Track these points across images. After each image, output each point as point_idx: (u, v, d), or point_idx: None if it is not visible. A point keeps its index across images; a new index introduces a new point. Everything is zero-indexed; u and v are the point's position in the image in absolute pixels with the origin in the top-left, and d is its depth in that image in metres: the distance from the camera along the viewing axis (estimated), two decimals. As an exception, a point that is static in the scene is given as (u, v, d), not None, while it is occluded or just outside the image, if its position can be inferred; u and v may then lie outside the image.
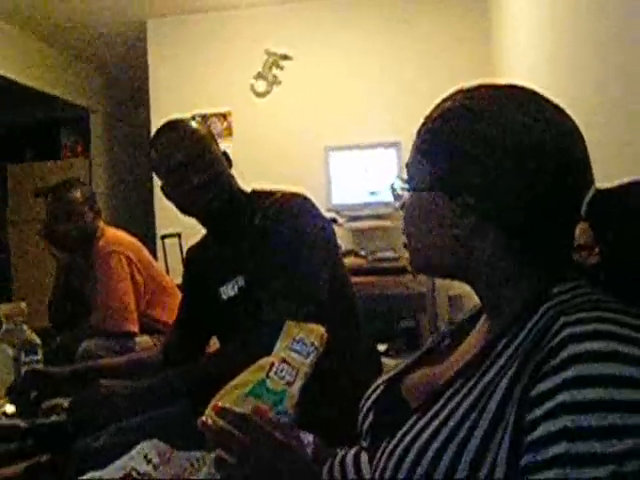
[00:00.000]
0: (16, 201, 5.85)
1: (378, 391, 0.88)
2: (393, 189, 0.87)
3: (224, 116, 4.68)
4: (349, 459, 0.92)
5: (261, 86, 4.68)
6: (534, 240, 0.73)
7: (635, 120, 1.55)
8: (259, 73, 4.66)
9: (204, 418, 0.75)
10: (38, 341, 1.85)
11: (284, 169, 4.35)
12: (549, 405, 0.58)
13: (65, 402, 1.54)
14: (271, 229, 1.48)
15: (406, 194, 0.83)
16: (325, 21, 4.60)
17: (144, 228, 4.61)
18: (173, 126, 1.56)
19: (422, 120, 0.81)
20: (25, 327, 1.84)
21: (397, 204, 0.87)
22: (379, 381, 0.90)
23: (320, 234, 1.51)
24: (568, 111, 0.76)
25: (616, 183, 0.80)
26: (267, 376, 0.79)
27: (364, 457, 0.90)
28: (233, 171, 1.61)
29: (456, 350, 0.84)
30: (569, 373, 0.58)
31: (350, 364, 1.47)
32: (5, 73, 4.54)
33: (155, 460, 1.10)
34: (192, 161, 1.50)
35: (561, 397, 0.57)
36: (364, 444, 0.88)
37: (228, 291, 1.56)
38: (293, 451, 0.73)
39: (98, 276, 2.50)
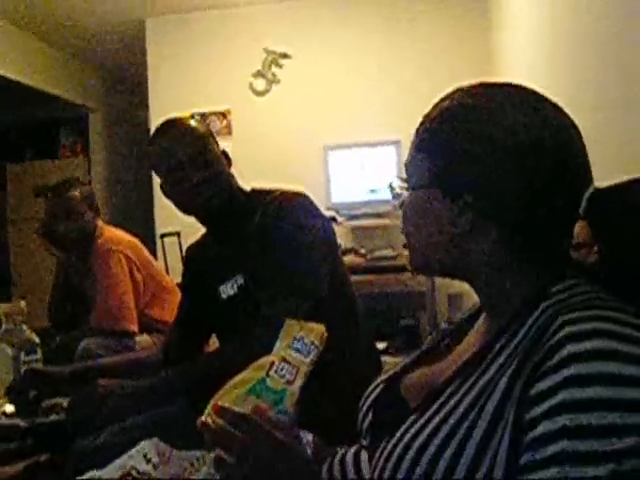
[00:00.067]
0: (15, 200, 5.85)
1: (378, 390, 0.88)
2: (392, 188, 0.87)
3: (223, 115, 4.68)
4: (349, 458, 0.92)
5: (260, 85, 4.68)
6: (533, 238, 0.73)
7: (634, 119, 1.55)
8: (258, 72, 4.66)
9: (204, 417, 0.75)
10: (37, 340, 1.86)
11: (283, 167, 4.35)
12: (548, 404, 0.58)
13: (64, 401, 1.54)
14: (271, 228, 1.48)
15: (405, 193, 0.83)
16: (324, 20, 4.60)
17: (143, 227, 4.61)
18: (172, 125, 1.56)
19: (421, 119, 0.81)
20: (24, 326, 1.84)
21: (396, 203, 0.87)
22: (378, 380, 0.90)
23: (319, 233, 1.51)
24: (567, 110, 0.76)
25: (615, 181, 0.80)
26: (267, 375, 0.79)
27: (364, 456, 0.90)
28: (232, 170, 1.61)
29: (455, 349, 0.84)
30: (568, 372, 0.58)
31: (350, 363, 1.47)
32: (4, 72, 4.53)
33: (155, 459, 1.10)
34: (191, 160, 1.50)
35: (560, 396, 0.57)
36: (364, 443, 0.88)
37: (228, 290, 1.56)
38: (293, 450, 0.73)
39: (97, 275, 2.50)
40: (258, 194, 1.60)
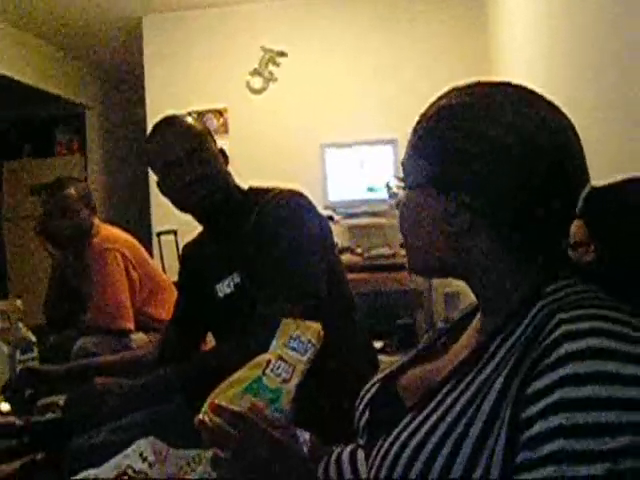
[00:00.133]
0: (11, 198, 5.83)
1: (374, 389, 0.88)
2: (389, 187, 0.87)
3: (220, 113, 4.68)
4: (345, 457, 0.92)
5: (257, 83, 4.67)
6: (529, 237, 0.73)
7: (632, 117, 1.55)
8: (255, 70, 4.66)
9: (201, 416, 0.75)
10: (33, 339, 1.85)
11: (280, 166, 4.35)
12: (545, 402, 0.58)
13: (61, 400, 1.54)
14: (267, 226, 1.48)
15: (402, 192, 0.83)
16: (321, 18, 4.60)
17: (140, 225, 4.60)
18: (169, 122, 1.56)
19: (418, 118, 0.81)
20: (20, 325, 1.84)
21: (393, 202, 0.87)
22: (375, 379, 0.90)
23: (316, 231, 1.51)
24: (564, 108, 0.76)
25: (611, 180, 0.80)
26: (264, 373, 0.79)
27: (360, 455, 0.90)
28: (229, 168, 1.61)
29: (452, 348, 0.84)
30: (565, 370, 0.58)
31: (346, 361, 1.47)
32: (0, 70, 4.52)
33: (151, 458, 1.10)
34: (187, 157, 1.50)
35: (557, 394, 0.57)
36: (360, 442, 0.89)
37: (224, 288, 1.55)
38: (289, 449, 0.73)
39: (93, 273, 2.50)
40: (255, 192, 1.60)
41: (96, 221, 2.62)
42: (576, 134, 0.75)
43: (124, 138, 6.27)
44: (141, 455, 1.10)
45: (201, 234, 1.73)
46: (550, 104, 0.76)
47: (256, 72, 4.66)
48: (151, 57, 4.84)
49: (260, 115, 4.62)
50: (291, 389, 0.79)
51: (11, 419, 1.52)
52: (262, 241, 1.46)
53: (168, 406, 1.43)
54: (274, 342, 0.83)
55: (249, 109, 4.65)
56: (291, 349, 0.82)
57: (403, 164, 0.83)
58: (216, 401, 0.75)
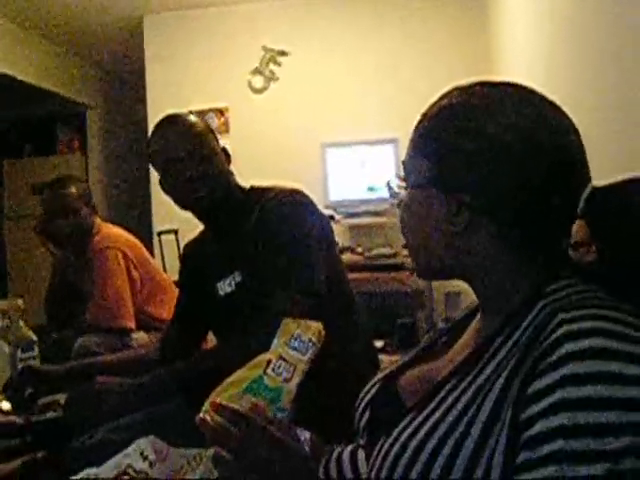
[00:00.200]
0: (12, 197, 5.83)
1: (375, 388, 0.88)
2: (390, 187, 0.87)
3: (221, 112, 4.67)
4: (345, 456, 0.92)
5: (258, 82, 4.67)
6: (530, 237, 0.73)
7: (634, 117, 1.55)
8: (256, 69, 4.65)
9: (202, 414, 0.75)
10: (34, 337, 1.85)
11: (281, 165, 4.35)
12: (546, 402, 0.58)
13: (62, 399, 1.54)
14: (268, 225, 1.48)
15: (403, 191, 0.83)
16: (323, 17, 4.59)
17: (141, 224, 4.60)
18: (172, 120, 1.57)
19: (419, 117, 0.81)
20: (21, 323, 1.84)
21: (394, 201, 0.87)
22: (376, 378, 0.90)
23: (317, 230, 1.50)
24: (565, 109, 0.76)
25: (613, 180, 0.80)
26: (264, 373, 0.79)
27: (361, 454, 0.90)
28: (230, 167, 1.61)
29: (452, 348, 0.84)
30: (566, 370, 0.58)
31: (347, 361, 1.47)
32: (2, 69, 4.52)
33: (151, 457, 1.10)
34: (189, 154, 1.50)
35: (558, 394, 0.57)
36: (361, 441, 0.89)
37: (225, 287, 1.55)
38: (290, 448, 0.73)
39: (94, 272, 2.50)
40: (256, 191, 1.60)
41: (97, 220, 2.62)
42: (577, 134, 0.75)
43: (125, 137, 6.27)
44: (142, 454, 1.10)
45: (202, 233, 1.73)
46: (551, 104, 0.76)
47: (257, 71, 4.66)
48: (152, 56, 4.84)
49: (261, 114, 4.62)
50: (292, 388, 0.79)
51: (12, 418, 1.52)
52: (263, 240, 1.46)
53: (168, 405, 1.43)
54: (275, 341, 0.83)
55: (250, 108, 4.65)
56: (292, 348, 0.82)
57: (404, 163, 0.83)
58: (218, 400, 0.76)
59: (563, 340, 0.60)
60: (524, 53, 3.09)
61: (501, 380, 0.64)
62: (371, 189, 4.20)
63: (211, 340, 1.78)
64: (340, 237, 4.05)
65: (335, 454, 0.94)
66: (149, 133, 1.61)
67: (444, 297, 4.06)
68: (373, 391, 0.88)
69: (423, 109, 0.81)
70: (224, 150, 1.60)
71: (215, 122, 4.61)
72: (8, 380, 1.71)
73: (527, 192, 0.71)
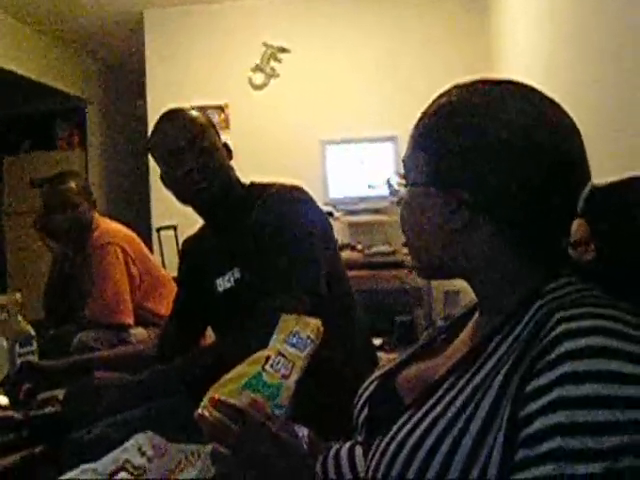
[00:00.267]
0: (11, 192, 5.83)
1: (373, 386, 0.88)
2: (389, 184, 0.87)
3: (221, 108, 4.67)
4: (343, 453, 0.92)
5: (258, 79, 4.67)
6: (530, 236, 0.73)
7: (634, 115, 1.55)
8: (257, 66, 4.65)
9: (200, 410, 0.75)
10: (33, 333, 1.85)
11: (281, 162, 4.35)
12: (544, 400, 0.58)
13: (60, 394, 1.54)
14: (268, 221, 1.48)
15: (402, 189, 0.83)
16: (323, 15, 4.59)
17: (140, 220, 4.60)
18: (173, 113, 1.58)
19: (419, 115, 0.81)
20: (20, 318, 1.84)
21: (393, 199, 0.87)
22: (374, 376, 0.90)
23: (317, 226, 1.51)
24: (565, 106, 0.76)
25: (612, 179, 0.80)
26: (263, 369, 0.79)
27: (358, 451, 0.90)
28: (231, 163, 1.61)
29: (451, 345, 0.84)
30: (564, 369, 0.58)
31: (346, 358, 1.47)
32: (1, 64, 4.51)
33: (149, 453, 1.10)
34: (188, 146, 1.50)
35: (556, 392, 0.57)
36: (359, 438, 0.89)
37: (224, 283, 1.55)
38: (288, 444, 0.73)
39: (93, 268, 2.50)
40: (256, 187, 1.60)
41: (96, 215, 2.62)
42: (577, 132, 0.75)
43: (125, 133, 6.27)
44: (140, 450, 1.10)
45: (201, 229, 1.73)
46: (551, 102, 0.76)
47: (257, 68, 4.65)
48: (152, 52, 4.84)
49: (261, 111, 4.62)
50: (290, 385, 0.79)
51: (10, 413, 1.52)
52: (262, 236, 1.46)
53: (167, 401, 1.43)
54: (274, 338, 0.83)
55: (250, 105, 4.65)
56: (291, 345, 0.82)
57: (404, 161, 0.83)
58: (216, 395, 0.76)
59: (562, 338, 0.60)
60: (524, 52, 3.09)
61: (500, 378, 0.64)
62: (371, 186, 4.20)
63: (210, 336, 1.78)
64: (339, 234, 4.04)
65: (333, 451, 0.94)
66: (149, 129, 1.61)
67: (443, 295, 4.07)
68: (371, 388, 0.88)
69: (423, 107, 0.81)
70: (225, 146, 1.61)
71: (215, 118, 4.61)
72: (6, 375, 1.71)
73: (526, 190, 0.71)
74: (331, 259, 1.53)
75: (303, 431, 0.86)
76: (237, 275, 1.53)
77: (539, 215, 0.72)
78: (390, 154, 4.20)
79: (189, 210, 1.60)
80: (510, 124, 0.71)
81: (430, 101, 0.80)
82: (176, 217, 4.17)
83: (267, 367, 0.79)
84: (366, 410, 0.86)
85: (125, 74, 6.16)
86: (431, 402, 0.70)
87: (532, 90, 0.76)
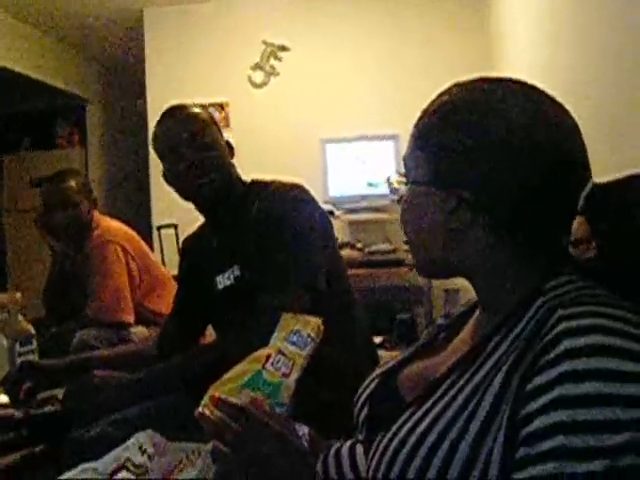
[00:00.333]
0: (11, 191, 5.82)
1: (374, 384, 0.88)
2: (390, 183, 0.87)
3: (221, 107, 4.67)
4: (344, 451, 0.92)
5: (258, 77, 4.66)
6: (531, 234, 0.73)
7: (634, 113, 1.55)
8: (257, 64, 4.64)
9: (201, 408, 0.75)
10: (33, 331, 1.85)
11: (281, 160, 4.34)
12: (545, 399, 0.58)
13: (60, 393, 1.54)
14: (267, 219, 1.48)
15: (403, 188, 0.83)
16: (323, 12, 4.58)
17: (140, 219, 4.60)
18: (175, 109, 1.59)
19: (420, 114, 0.81)
20: (20, 317, 1.84)
21: (394, 197, 0.87)
22: (375, 374, 0.90)
23: (316, 224, 1.51)
24: (566, 105, 0.76)
25: (613, 178, 0.80)
26: (263, 367, 0.79)
27: (359, 449, 0.90)
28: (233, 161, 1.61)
29: (451, 344, 0.84)
30: (565, 367, 0.58)
31: (346, 356, 1.47)
32: (1, 63, 4.51)
33: (150, 451, 1.10)
34: (190, 140, 1.51)
35: (557, 391, 0.57)
36: (360, 436, 0.89)
37: (224, 280, 1.55)
38: (289, 443, 0.74)
39: (93, 266, 2.49)
40: (257, 185, 1.60)
41: (96, 214, 2.62)
42: (578, 130, 0.75)
43: (125, 131, 6.26)
44: (140, 448, 1.10)
45: (201, 227, 1.73)
46: (552, 100, 0.75)
47: (257, 66, 4.65)
48: (152, 50, 4.83)
49: (261, 109, 4.61)
50: (290, 383, 0.79)
51: (10, 411, 1.52)
52: (262, 233, 1.46)
53: (167, 399, 1.44)
54: (274, 336, 0.84)
55: (250, 103, 4.64)
56: (291, 343, 0.82)
57: (405, 160, 0.82)
58: (217, 394, 0.76)
59: (562, 337, 0.60)
60: (524, 51, 3.09)
61: (500, 376, 0.64)
62: (371, 185, 4.19)
63: (210, 334, 1.78)
64: (339, 233, 4.04)
65: (334, 449, 0.94)
66: (149, 127, 1.62)
67: (443, 293, 4.06)
68: (372, 386, 0.88)
69: (423, 105, 0.81)
70: (228, 143, 1.61)
71: (215, 116, 4.59)
72: (6, 374, 1.71)
73: (527, 189, 0.71)
74: (331, 256, 1.53)
75: (304, 429, 0.86)
76: (237, 272, 1.53)
77: (540, 214, 0.72)
78: (391, 153, 4.20)
79: (189, 208, 1.60)
80: (511, 123, 0.71)
81: (431, 99, 0.80)
82: (176, 215, 4.18)
83: (267, 365, 0.79)
84: (367, 408, 0.86)
85: (125, 72, 6.16)
86: (432, 400, 0.70)
87: (533, 89, 0.76)
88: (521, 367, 0.62)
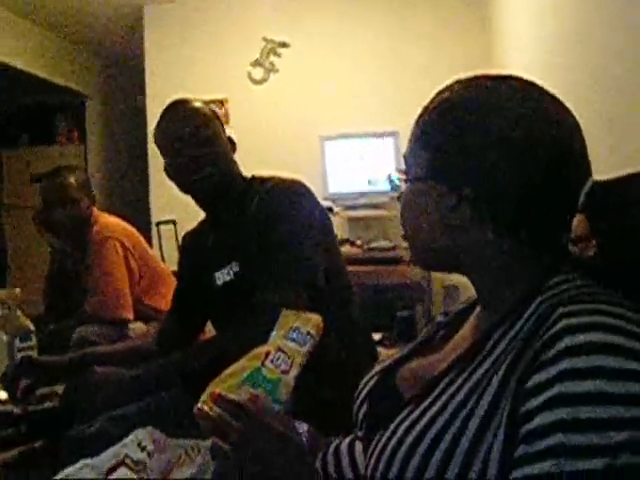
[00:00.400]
0: (11, 187, 5.82)
1: (373, 381, 0.88)
2: (390, 180, 0.87)
3: (221, 103, 4.66)
4: (343, 448, 0.92)
5: (258, 73, 4.66)
6: (531, 232, 0.73)
7: (635, 111, 1.55)
8: (256, 60, 4.64)
9: (200, 405, 0.75)
10: (32, 327, 1.85)
11: (281, 157, 4.33)
12: (545, 396, 0.58)
13: (60, 389, 1.54)
14: (267, 215, 1.48)
15: (403, 185, 0.83)
16: (323, 9, 4.57)
17: (139, 215, 4.59)
18: (177, 103, 1.59)
19: (420, 110, 0.80)
20: (19, 313, 1.84)
21: (393, 194, 0.87)
22: (374, 371, 0.90)
23: (316, 220, 1.51)
24: (567, 103, 0.76)
25: (613, 176, 0.80)
26: (263, 364, 0.79)
27: (358, 446, 0.90)
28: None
29: (451, 341, 0.84)
30: (565, 365, 0.58)
31: (345, 353, 1.47)
32: (0, 58, 4.50)
33: (149, 447, 1.10)
34: (191, 134, 1.51)
35: (557, 389, 0.57)
36: (359, 433, 0.89)
37: (223, 276, 1.55)
38: (289, 440, 0.73)
39: (93, 262, 2.49)
40: (256, 181, 1.60)
41: (95, 210, 2.61)
42: (578, 128, 0.74)
43: (124, 127, 6.26)
44: (139, 445, 1.10)
45: (201, 223, 1.73)
46: (553, 98, 0.75)
47: (257, 63, 4.64)
48: (152, 46, 4.83)
49: (261, 106, 4.61)
50: (290, 380, 0.79)
51: (9, 407, 1.52)
52: (261, 230, 1.46)
53: (166, 396, 1.44)
54: (274, 333, 0.83)
55: (250, 100, 4.63)
56: (290, 340, 0.82)
57: (405, 157, 0.82)
58: (216, 390, 0.76)
59: (562, 334, 0.60)
60: (525, 49, 3.08)
61: (500, 374, 0.64)
62: (370, 182, 4.19)
63: (209, 331, 1.78)
64: (339, 230, 4.04)
65: (333, 446, 0.94)
66: (149, 123, 1.62)
67: (443, 291, 4.06)
68: (371, 383, 0.88)
69: (423, 102, 0.81)
70: (230, 139, 1.61)
71: (215, 113, 4.59)
72: (6, 370, 1.71)
73: (528, 186, 0.71)
74: (330, 253, 1.53)
75: (303, 426, 0.86)
76: (236, 268, 1.52)
77: (540, 211, 0.72)
78: (390, 149, 4.19)
79: (189, 204, 1.60)
80: (511, 120, 0.71)
81: (431, 96, 0.80)
82: (176, 211, 4.17)
83: (267, 362, 0.79)
84: (366, 405, 0.86)
85: (125, 68, 6.15)
86: (431, 398, 0.70)
87: (533, 86, 0.76)
88: (521, 365, 0.62)
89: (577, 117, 0.75)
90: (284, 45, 4.59)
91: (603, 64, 1.79)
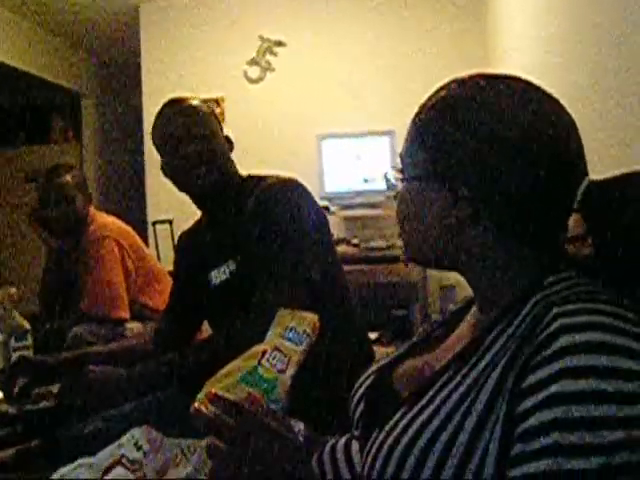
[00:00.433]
0: (6, 186, 5.80)
1: (369, 380, 0.88)
2: (387, 179, 0.87)
3: (217, 102, 4.65)
4: (339, 447, 0.92)
5: (254, 72, 4.65)
6: (527, 231, 0.73)
7: (630, 109, 1.55)
8: (252, 59, 4.63)
9: (196, 405, 0.75)
10: (28, 326, 1.85)
11: (277, 156, 4.33)
12: (541, 396, 0.58)
13: (56, 389, 1.54)
14: (263, 214, 1.48)
15: (400, 184, 0.83)
16: (319, 8, 4.57)
17: (135, 214, 4.58)
18: (175, 102, 1.59)
19: (417, 109, 0.80)
20: (15, 312, 1.83)
21: (391, 193, 0.87)
22: (370, 370, 0.90)
23: (312, 219, 1.51)
24: (563, 101, 0.76)
25: (609, 174, 0.80)
26: (259, 364, 0.79)
27: (354, 446, 0.90)
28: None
29: (447, 340, 0.84)
30: (561, 364, 0.58)
31: (342, 352, 1.47)
32: (-4, 56, 4.49)
33: (145, 447, 1.10)
34: (187, 132, 1.51)
35: (553, 388, 0.57)
36: (355, 433, 0.89)
37: (219, 275, 1.55)
38: (285, 439, 0.73)
39: (89, 262, 2.49)
40: (253, 179, 1.60)
41: (91, 209, 2.61)
42: (575, 127, 0.75)
43: (120, 126, 6.24)
44: (136, 444, 1.10)
45: (197, 223, 1.73)
46: (549, 97, 0.75)
47: (253, 61, 4.63)
48: (148, 45, 4.81)
49: (257, 105, 4.60)
50: (286, 380, 0.79)
51: (4, 407, 1.52)
52: (258, 228, 1.46)
53: (162, 395, 1.44)
54: (270, 332, 0.83)
55: (246, 99, 4.63)
56: (287, 339, 0.82)
57: (401, 156, 0.82)
58: (213, 390, 0.75)
59: (559, 334, 0.60)
60: (521, 50, 3.09)
61: (496, 373, 0.64)
62: (366, 181, 4.19)
63: (206, 330, 1.78)
64: (335, 229, 4.04)
65: (329, 445, 0.94)
66: (144, 122, 1.61)
67: (439, 290, 4.07)
68: (368, 382, 0.88)
69: (420, 101, 0.81)
70: (227, 138, 1.61)
71: (211, 112, 4.58)
72: (1, 370, 1.70)
73: (524, 185, 0.71)
74: (326, 252, 1.53)
75: (299, 426, 0.86)
76: (232, 267, 1.52)
77: (536, 210, 0.72)
78: (386, 148, 4.19)
79: (185, 204, 1.59)
80: (508, 119, 0.71)
81: (428, 95, 0.80)
82: (172, 211, 4.16)
83: (263, 361, 0.79)
84: (362, 404, 0.86)
85: (120, 67, 6.13)
86: (427, 397, 0.70)
87: (530, 85, 0.76)
88: (517, 364, 0.62)
89: (575, 117, 0.75)
90: (280, 44, 4.58)
91: (602, 64, 1.79)
